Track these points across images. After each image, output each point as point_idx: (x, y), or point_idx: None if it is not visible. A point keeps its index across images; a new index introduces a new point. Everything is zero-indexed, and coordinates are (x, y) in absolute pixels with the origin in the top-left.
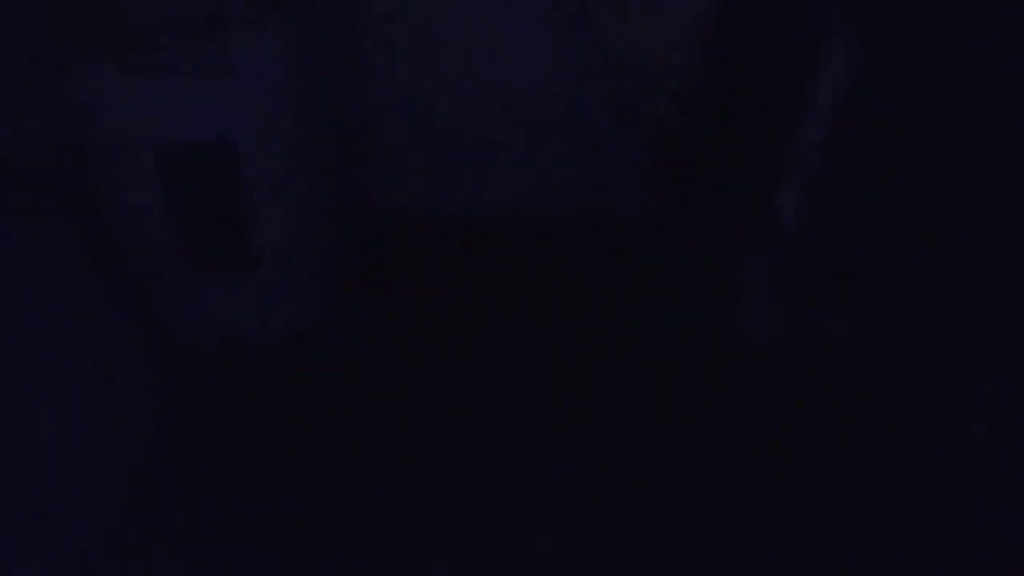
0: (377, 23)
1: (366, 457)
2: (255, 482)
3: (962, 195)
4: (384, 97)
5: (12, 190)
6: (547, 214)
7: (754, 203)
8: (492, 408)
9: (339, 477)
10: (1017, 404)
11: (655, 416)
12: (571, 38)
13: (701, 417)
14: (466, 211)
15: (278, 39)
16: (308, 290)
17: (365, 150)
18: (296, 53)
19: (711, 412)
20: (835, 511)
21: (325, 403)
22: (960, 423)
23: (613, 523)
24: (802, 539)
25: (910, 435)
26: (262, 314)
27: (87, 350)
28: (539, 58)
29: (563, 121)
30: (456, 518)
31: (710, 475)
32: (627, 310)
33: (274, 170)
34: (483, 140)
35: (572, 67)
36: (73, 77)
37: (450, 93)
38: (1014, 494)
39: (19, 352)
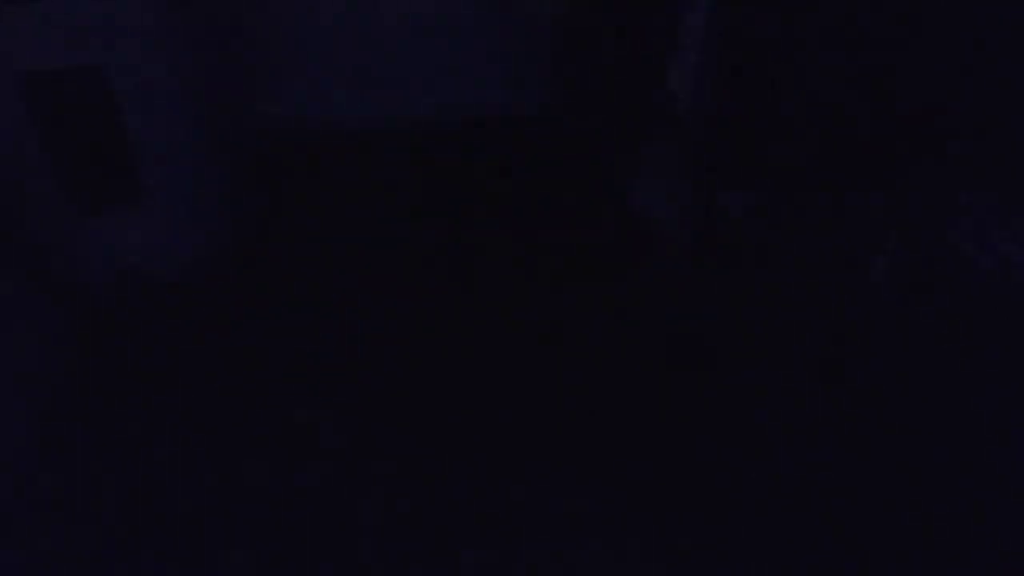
0: None
1: (276, 386)
2: (161, 414)
3: (854, 79)
4: (269, 10)
5: None
6: (448, 121)
7: (649, 89)
8: (404, 320)
9: (249, 410)
10: (911, 271)
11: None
12: None
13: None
14: (362, 123)
15: None
16: (202, 218)
17: (252, 68)
18: None
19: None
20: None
21: (229, 333)
22: (859, 292)
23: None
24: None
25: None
26: (157, 247)
27: None
28: None
29: (457, 26)
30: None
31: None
32: (534, 209)
33: (151, 92)
34: (375, 51)
35: None
36: None
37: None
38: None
39: None
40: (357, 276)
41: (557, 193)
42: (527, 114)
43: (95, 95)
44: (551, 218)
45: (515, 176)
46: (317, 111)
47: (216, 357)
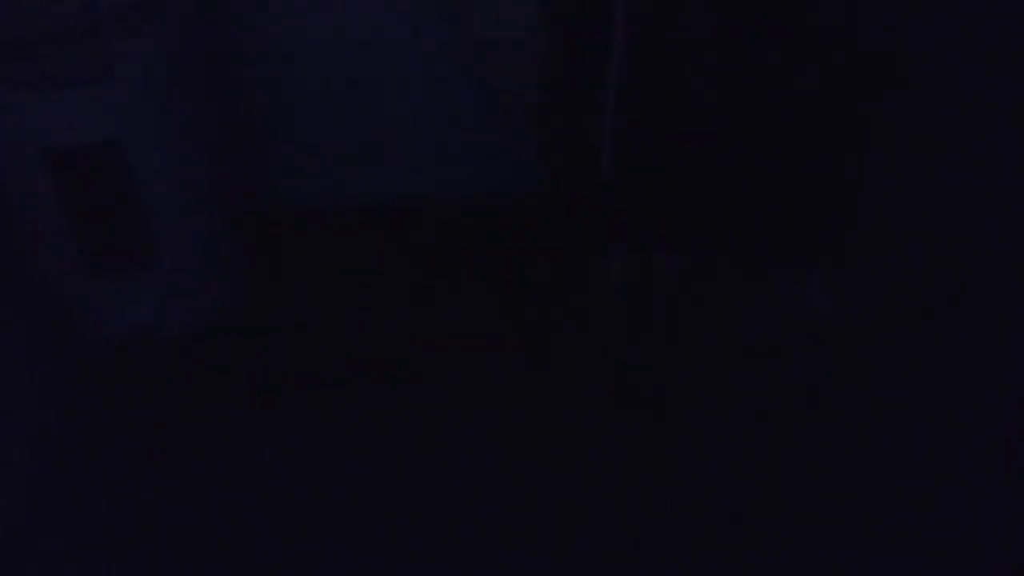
0: (249, 23)
1: (276, 440)
2: (162, 474)
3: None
4: (266, 93)
5: None
6: (432, 201)
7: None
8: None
9: (246, 463)
10: None
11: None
12: (439, 27)
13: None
14: (354, 202)
15: (152, 43)
16: (206, 284)
17: (253, 145)
18: (172, 55)
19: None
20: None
21: (229, 392)
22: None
23: None
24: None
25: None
26: (163, 309)
27: None
28: (410, 48)
29: (440, 109)
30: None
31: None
32: (514, 285)
33: (162, 168)
34: (364, 133)
35: (444, 56)
36: None
37: (329, 88)
38: None
39: None
40: (345, 337)
41: (538, 267)
42: (514, 193)
43: (112, 168)
44: (528, 288)
45: (500, 253)
46: (311, 189)
47: (211, 408)
